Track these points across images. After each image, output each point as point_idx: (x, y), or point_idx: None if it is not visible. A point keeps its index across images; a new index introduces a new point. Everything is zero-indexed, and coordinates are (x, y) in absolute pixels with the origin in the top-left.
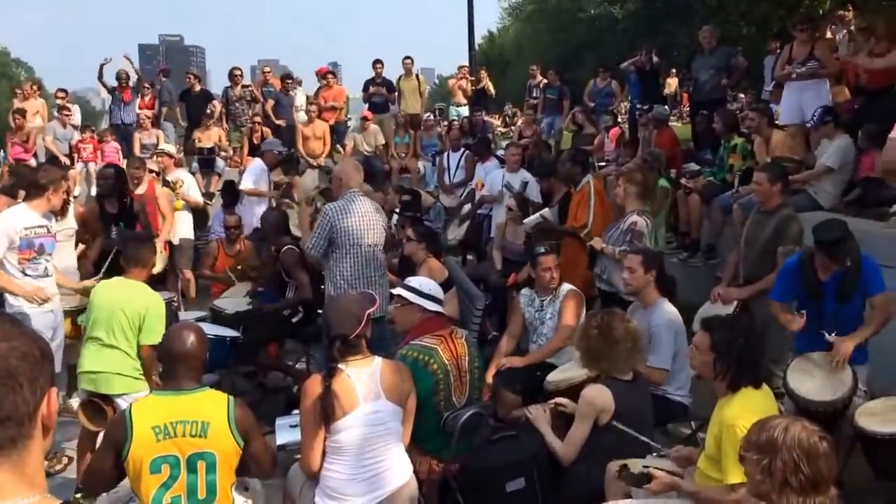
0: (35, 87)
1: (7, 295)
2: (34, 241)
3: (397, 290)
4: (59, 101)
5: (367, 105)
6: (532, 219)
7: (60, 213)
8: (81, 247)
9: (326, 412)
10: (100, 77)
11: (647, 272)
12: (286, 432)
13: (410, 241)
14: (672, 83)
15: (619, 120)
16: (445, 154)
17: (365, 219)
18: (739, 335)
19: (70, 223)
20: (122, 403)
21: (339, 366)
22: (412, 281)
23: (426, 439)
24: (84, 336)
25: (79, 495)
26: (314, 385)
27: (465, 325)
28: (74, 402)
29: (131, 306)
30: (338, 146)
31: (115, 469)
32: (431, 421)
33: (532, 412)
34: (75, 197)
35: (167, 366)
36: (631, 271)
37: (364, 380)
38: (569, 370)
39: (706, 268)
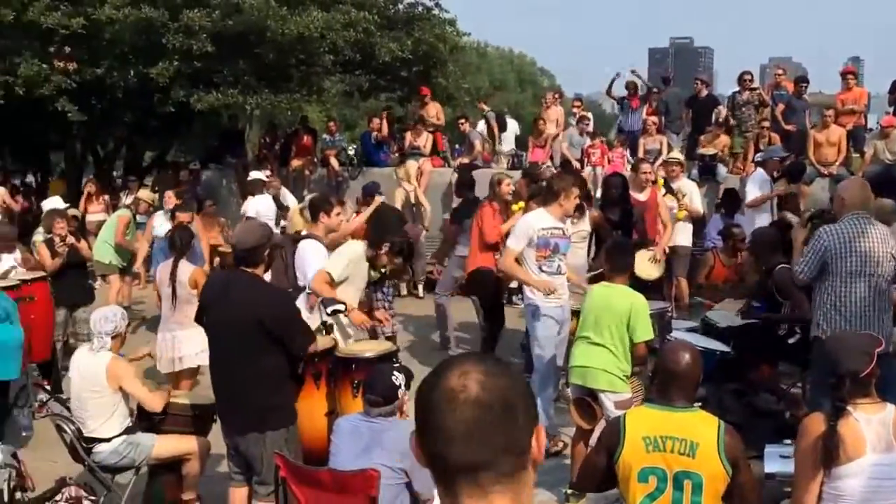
0: (556, 97)
1: (525, 290)
2: (550, 241)
3: None
4: (574, 110)
5: (892, 108)
6: None
7: (578, 215)
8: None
9: (829, 455)
10: (608, 91)
11: None
12: (776, 461)
13: None
14: None
15: None
16: None
17: (866, 246)
18: None
19: (584, 226)
20: (606, 401)
21: (847, 407)
22: None
23: None
24: (576, 335)
25: (569, 491)
26: (816, 424)
27: None
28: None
29: (615, 308)
30: (855, 153)
31: (607, 470)
32: None
33: None
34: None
35: (661, 381)
36: None
37: (874, 427)
38: None
39: None
